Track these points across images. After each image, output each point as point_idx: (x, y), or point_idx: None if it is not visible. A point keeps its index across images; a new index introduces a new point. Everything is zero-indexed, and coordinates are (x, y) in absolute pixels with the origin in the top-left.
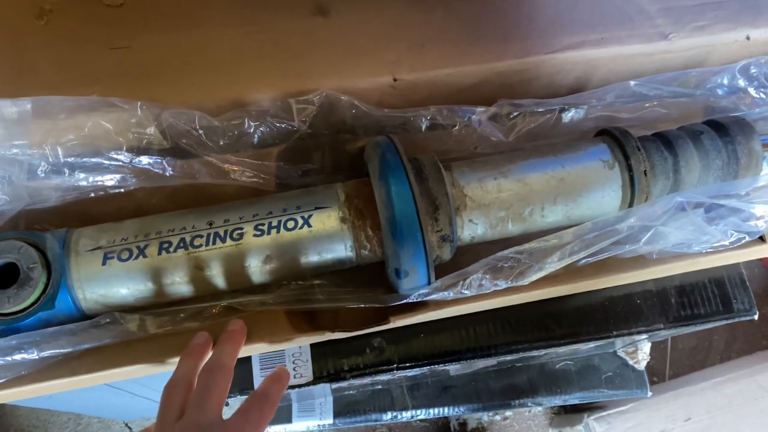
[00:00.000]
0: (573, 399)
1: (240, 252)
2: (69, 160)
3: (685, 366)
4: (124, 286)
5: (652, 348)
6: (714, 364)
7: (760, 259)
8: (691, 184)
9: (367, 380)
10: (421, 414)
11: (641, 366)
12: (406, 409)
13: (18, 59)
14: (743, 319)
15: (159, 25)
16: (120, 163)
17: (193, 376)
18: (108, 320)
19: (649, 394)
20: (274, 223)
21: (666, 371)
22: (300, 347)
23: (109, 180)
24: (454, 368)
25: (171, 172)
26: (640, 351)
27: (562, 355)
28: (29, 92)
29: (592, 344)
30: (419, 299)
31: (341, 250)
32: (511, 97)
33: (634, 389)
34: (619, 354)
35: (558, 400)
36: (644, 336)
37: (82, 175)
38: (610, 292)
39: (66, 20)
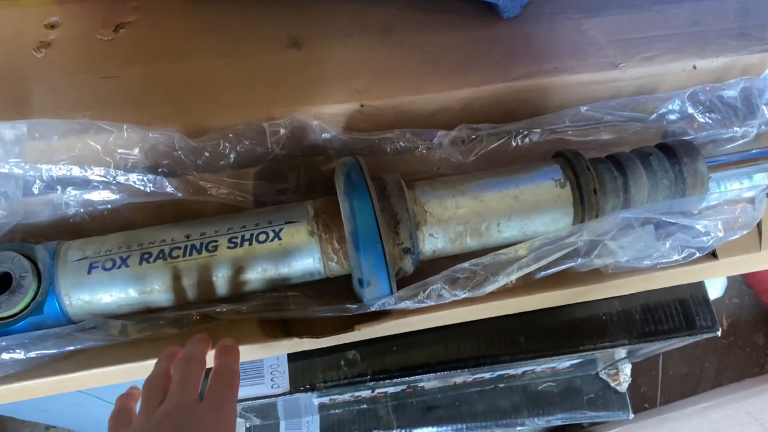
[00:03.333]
0: (556, 420)
1: (214, 262)
2: (61, 177)
3: (676, 393)
4: (107, 293)
5: (642, 374)
6: (705, 390)
7: (749, 286)
8: (641, 202)
9: (348, 396)
10: None
11: (623, 388)
12: (390, 429)
13: (17, 88)
14: (706, 335)
15: (147, 57)
16: (107, 181)
17: (171, 371)
18: (92, 325)
19: (631, 415)
20: (247, 236)
21: (657, 398)
22: (278, 358)
23: (97, 196)
24: (430, 384)
25: (153, 189)
26: (621, 373)
27: (542, 375)
28: (26, 116)
29: (566, 362)
30: (382, 308)
31: (310, 262)
32: (471, 122)
33: (616, 411)
34: (600, 376)
35: (541, 422)
36: (622, 353)
37: (73, 193)
38: (577, 311)
39: (62, 52)
